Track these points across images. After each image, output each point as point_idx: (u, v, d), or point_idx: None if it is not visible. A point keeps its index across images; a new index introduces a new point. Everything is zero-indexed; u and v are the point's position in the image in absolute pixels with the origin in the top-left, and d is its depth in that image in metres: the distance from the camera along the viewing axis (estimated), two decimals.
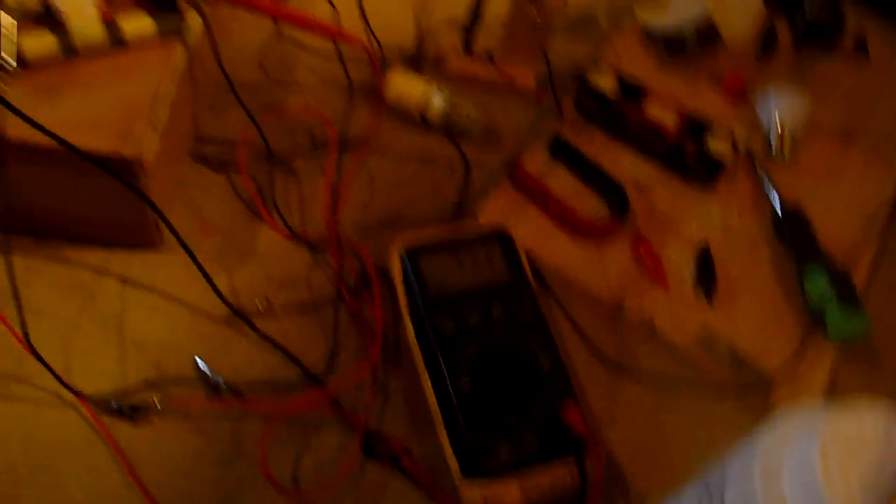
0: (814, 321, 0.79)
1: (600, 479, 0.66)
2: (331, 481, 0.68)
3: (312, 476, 0.69)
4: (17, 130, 0.65)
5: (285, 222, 0.82)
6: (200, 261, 0.72)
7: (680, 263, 0.83)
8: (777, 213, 0.86)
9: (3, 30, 0.68)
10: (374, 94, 0.92)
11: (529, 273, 0.76)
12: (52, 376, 0.68)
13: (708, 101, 0.95)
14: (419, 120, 0.91)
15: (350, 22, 0.97)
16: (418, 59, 0.97)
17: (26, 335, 0.67)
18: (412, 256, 0.74)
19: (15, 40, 0.68)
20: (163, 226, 0.74)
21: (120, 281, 0.76)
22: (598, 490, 0.66)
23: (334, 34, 0.78)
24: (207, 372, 0.72)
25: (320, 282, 0.79)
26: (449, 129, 0.91)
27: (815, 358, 0.78)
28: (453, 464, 0.67)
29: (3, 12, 0.68)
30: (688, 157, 0.87)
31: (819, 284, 0.78)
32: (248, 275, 0.78)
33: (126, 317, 0.74)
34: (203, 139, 0.86)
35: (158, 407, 0.70)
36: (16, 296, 0.67)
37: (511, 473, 0.65)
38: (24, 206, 0.71)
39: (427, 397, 0.70)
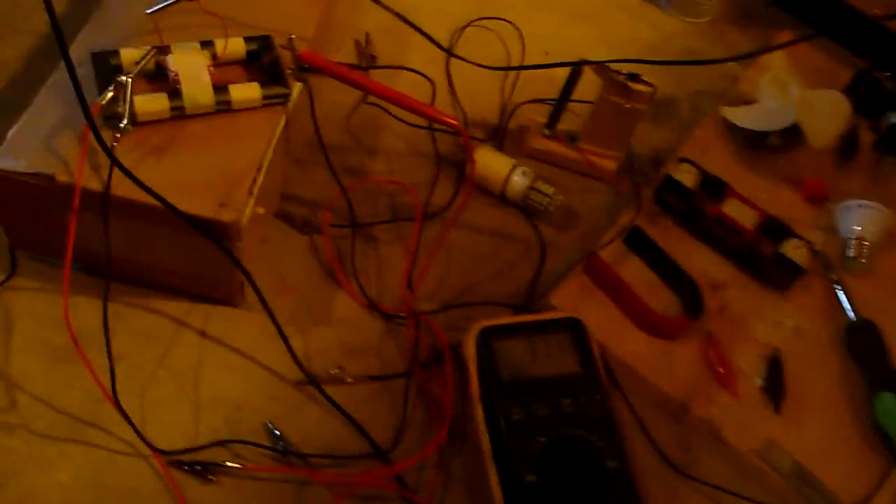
0: (886, 445, 0.78)
1: None
2: None
3: None
4: (124, 187, 0.68)
5: (362, 290, 0.83)
6: (277, 322, 0.73)
7: (749, 367, 0.83)
8: (850, 325, 0.85)
9: (119, 88, 0.70)
10: (459, 168, 0.94)
11: (601, 366, 0.76)
12: (128, 426, 0.70)
13: (786, 202, 0.95)
14: (500, 197, 0.92)
15: (438, 92, 0.99)
16: (501, 135, 0.98)
17: (113, 385, 0.69)
18: (487, 339, 0.75)
19: (129, 99, 0.71)
20: (245, 285, 0.76)
21: (199, 334, 0.78)
22: None
23: (430, 114, 0.79)
24: (277, 435, 0.73)
25: (392, 354, 0.80)
26: (527, 209, 0.92)
27: (887, 487, 0.77)
28: None
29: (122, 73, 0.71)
30: (764, 258, 0.87)
31: (892, 413, 0.77)
32: (322, 340, 0.80)
33: (202, 372, 0.76)
34: (289, 198, 0.88)
35: (227, 466, 0.71)
36: (107, 344, 0.69)
37: None
38: (121, 255, 0.74)
39: (491, 486, 0.70)
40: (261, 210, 0.74)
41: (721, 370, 0.81)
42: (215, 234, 0.70)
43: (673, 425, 0.80)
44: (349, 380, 0.77)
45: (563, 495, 0.68)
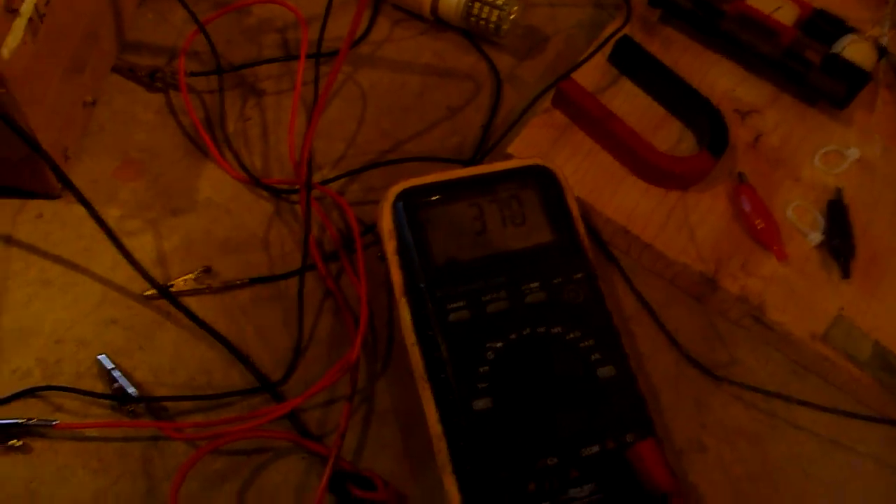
0: None
1: None
2: None
3: None
4: None
5: (238, 159, 0.59)
6: (119, 215, 0.49)
7: (800, 218, 0.58)
8: None
9: None
10: None
11: (583, 232, 0.52)
12: None
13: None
14: (430, 16, 0.66)
15: None
16: None
17: None
18: (412, 210, 0.50)
19: None
20: (66, 166, 0.52)
21: (3, 243, 0.54)
22: None
23: None
24: (115, 376, 0.50)
25: (283, 245, 0.56)
26: (472, 30, 0.66)
27: None
28: None
29: None
30: (812, 65, 0.61)
31: None
32: (184, 234, 0.56)
33: (7, 295, 0.53)
34: (134, 46, 0.63)
35: (35, 425, 0.48)
36: None
37: None
38: None
39: (427, 421, 0.46)
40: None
41: (760, 224, 0.56)
42: None
43: (695, 311, 0.56)
44: (219, 285, 0.54)
45: (532, 424, 0.45)
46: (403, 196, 0.51)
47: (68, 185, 0.49)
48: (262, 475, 0.48)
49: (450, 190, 0.52)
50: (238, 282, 0.54)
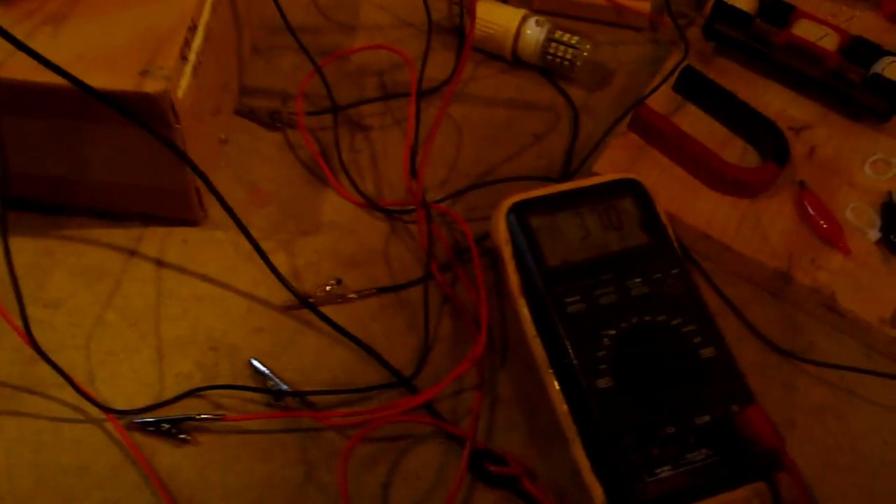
0: None
1: None
2: None
3: None
4: (12, 66, 0.51)
5: (355, 185, 0.66)
6: (255, 237, 0.56)
7: (858, 217, 0.64)
8: None
9: None
10: (458, 32, 0.76)
11: (672, 234, 0.59)
12: (70, 386, 0.53)
13: (863, 24, 0.76)
14: (510, 57, 0.74)
15: None
16: None
17: (29, 333, 0.52)
18: (523, 220, 0.57)
19: None
20: (206, 196, 0.59)
21: (155, 264, 0.61)
22: None
23: None
24: (268, 375, 0.56)
25: (403, 259, 0.63)
26: (548, 67, 0.74)
27: None
28: (595, 489, 0.49)
29: None
30: (855, 85, 0.69)
31: None
32: (311, 252, 0.63)
33: (163, 309, 0.59)
34: (251, 91, 0.71)
35: (202, 419, 0.54)
36: (14, 283, 0.52)
37: (676, 502, 0.48)
38: (37, 172, 0.57)
39: (553, 402, 0.53)
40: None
41: (824, 224, 0.63)
42: (147, 118, 0.52)
43: (772, 305, 0.63)
44: (352, 295, 0.60)
45: (650, 402, 0.51)
46: (515, 208, 0.58)
47: (225, 206, 0.55)
48: (406, 458, 0.54)
49: (554, 201, 0.58)
50: (366, 291, 0.60)
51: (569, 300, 0.54)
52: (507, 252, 0.57)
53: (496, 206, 0.58)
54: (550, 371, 0.53)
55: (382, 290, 0.61)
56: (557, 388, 0.53)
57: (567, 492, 0.53)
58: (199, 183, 0.58)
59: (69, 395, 0.54)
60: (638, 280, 0.56)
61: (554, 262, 0.56)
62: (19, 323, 0.51)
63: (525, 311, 0.55)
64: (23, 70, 0.50)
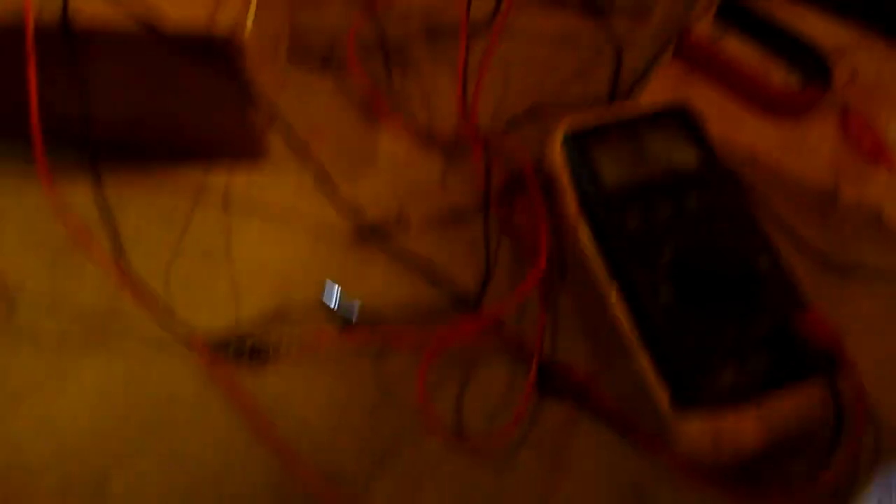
0: None
1: (861, 404, 0.51)
2: (504, 426, 0.55)
3: (481, 421, 0.55)
4: (87, 6, 0.53)
5: (410, 121, 0.68)
6: (316, 171, 0.58)
7: None
8: None
9: None
10: None
11: (722, 156, 0.60)
12: (152, 318, 0.56)
13: None
14: None
15: None
16: None
17: (121, 265, 0.54)
18: (579, 143, 0.59)
19: None
20: (269, 135, 0.61)
21: (223, 201, 0.63)
22: (861, 417, 0.51)
23: None
24: (340, 300, 0.59)
25: (459, 189, 0.65)
26: (588, 2, 0.75)
27: None
28: (661, 392, 0.52)
29: None
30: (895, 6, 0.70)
31: None
32: (371, 186, 0.65)
33: (234, 245, 0.62)
34: (300, 33, 0.72)
35: (283, 347, 0.57)
36: (109, 219, 0.54)
37: (741, 400, 0.51)
38: (106, 113, 0.59)
39: (617, 313, 0.55)
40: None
41: (868, 142, 0.64)
42: (214, 55, 0.54)
43: (820, 221, 0.64)
44: (413, 227, 0.62)
45: (709, 310, 0.53)
46: (570, 134, 0.60)
47: (291, 145, 0.58)
48: (476, 375, 0.57)
49: (607, 127, 0.60)
50: (427, 222, 0.63)
51: (628, 220, 0.56)
52: (564, 177, 0.59)
53: (550, 134, 0.60)
54: (613, 289, 0.56)
55: (443, 221, 0.63)
56: (620, 304, 0.55)
57: (632, 399, 0.55)
58: (264, 119, 0.60)
59: (152, 329, 0.56)
60: (692, 198, 0.57)
61: (611, 184, 0.58)
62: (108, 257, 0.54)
63: (586, 232, 0.58)
64: (96, 13, 0.52)
